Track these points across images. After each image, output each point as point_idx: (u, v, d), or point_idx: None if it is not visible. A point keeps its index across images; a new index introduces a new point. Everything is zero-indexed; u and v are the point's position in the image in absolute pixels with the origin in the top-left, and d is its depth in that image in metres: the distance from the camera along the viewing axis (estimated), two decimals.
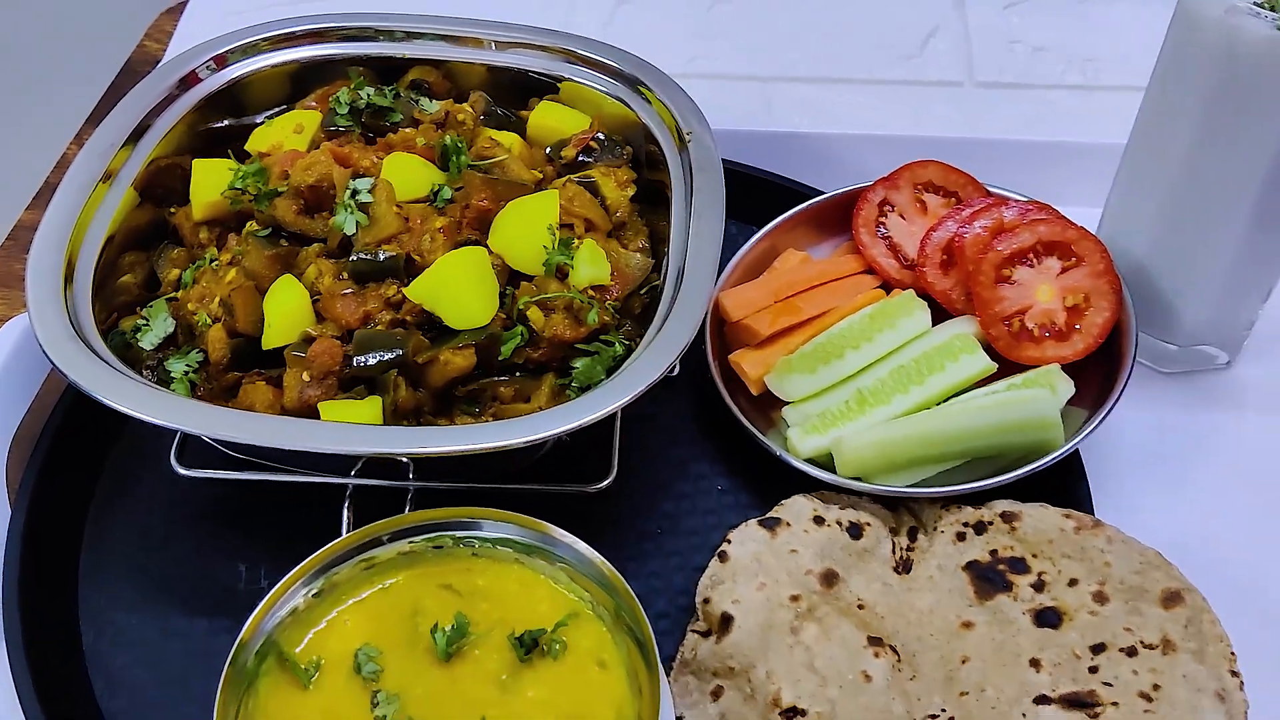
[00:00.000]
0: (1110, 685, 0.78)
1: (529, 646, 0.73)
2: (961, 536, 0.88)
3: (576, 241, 0.92)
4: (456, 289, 0.87)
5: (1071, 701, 0.78)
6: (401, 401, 0.86)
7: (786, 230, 1.09)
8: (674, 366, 0.84)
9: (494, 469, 0.93)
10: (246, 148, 1.01)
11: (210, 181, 0.97)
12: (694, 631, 0.86)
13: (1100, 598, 0.83)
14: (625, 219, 0.99)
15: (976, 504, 0.90)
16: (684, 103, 1.02)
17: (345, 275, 0.89)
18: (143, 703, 0.86)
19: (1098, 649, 0.80)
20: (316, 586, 0.76)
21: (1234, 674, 0.79)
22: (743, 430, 0.95)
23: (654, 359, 0.83)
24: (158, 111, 1.01)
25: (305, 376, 0.85)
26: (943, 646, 0.83)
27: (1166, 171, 0.94)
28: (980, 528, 0.88)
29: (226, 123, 1.05)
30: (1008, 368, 0.96)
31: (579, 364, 0.89)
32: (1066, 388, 0.94)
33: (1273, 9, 0.81)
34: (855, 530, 0.88)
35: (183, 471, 0.92)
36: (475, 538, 0.78)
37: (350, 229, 0.90)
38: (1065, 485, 0.93)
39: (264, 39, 1.06)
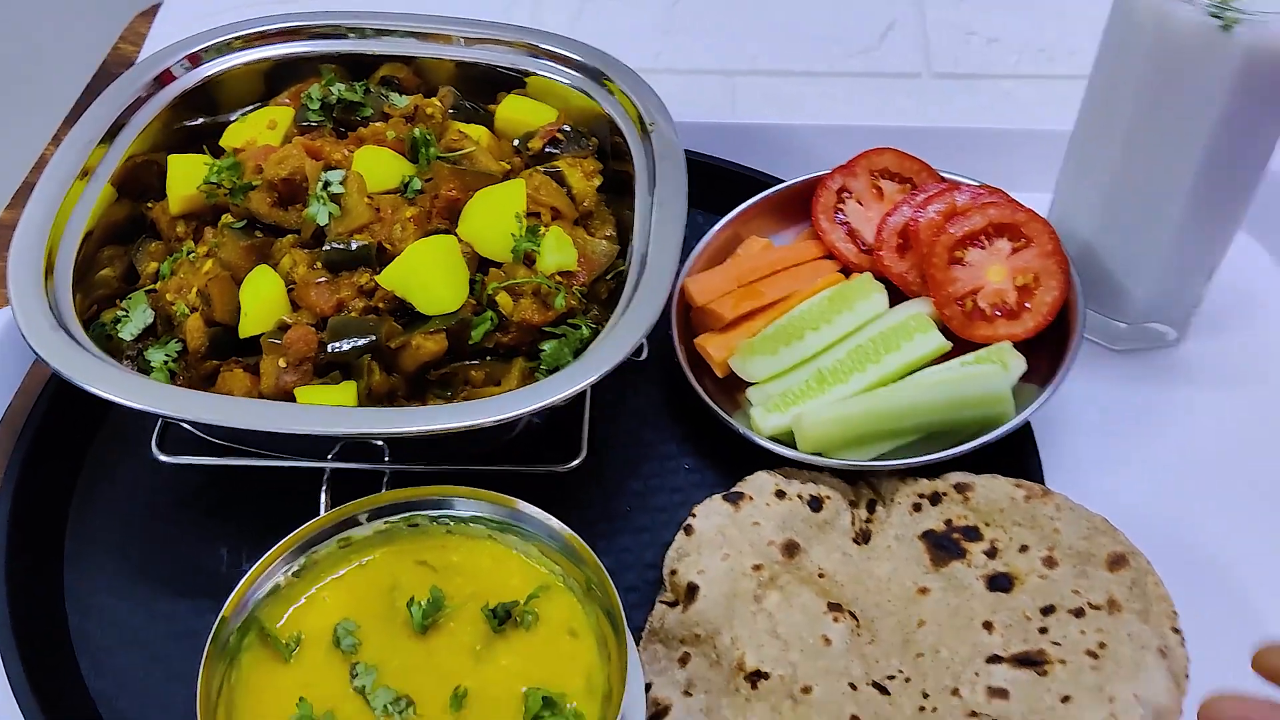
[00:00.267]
0: (1059, 645, 0.81)
1: (502, 618, 0.76)
2: (917, 507, 0.91)
3: (543, 229, 0.94)
4: (427, 276, 0.90)
5: (1022, 660, 0.81)
6: (375, 386, 0.88)
7: (749, 218, 1.12)
8: (641, 348, 0.87)
9: (467, 450, 0.95)
10: (221, 143, 1.03)
11: (186, 176, 0.99)
12: (662, 602, 0.89)
13: (1050, 562, 0.86)
14: (592, 208, 1.01)
15: (932, 476, 0.93)
16: (646, 95, 1.05)
17: (319, 264, 0.91)
18: (129, 682, 0.88)
19: (1047, 611, 0.83)
20: (296, 565, 0.78)
21: (1176, 631, 0.82)
22: (708, 411, 0.98)
23: (620, 340, 0.86)
24: (134, 109, 1.03)
25: (281, 363, 0.88)
26: (900, 612, 0.86)
27: (1109, 155, 0.97)
28: (935, 499, 0.91)
29: (201, 120, 1.07)
30: (962, 346, 0.99)
31: (547, 347, 0.91)
32: (1018, 364, 0.98)
33: None
34: (815, 503, 0.91)
35: (164, 458, 0.94)
36: (449, 516, 0.81)
37: (323, 220, 0.92)
38: (1018, 457, 0.96)
39: (237, 37, 1.08)
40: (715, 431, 0.99)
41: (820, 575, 0.87)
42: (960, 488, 0.91)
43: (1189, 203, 0.95)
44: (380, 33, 1.11)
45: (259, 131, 1.03)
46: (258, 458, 0.94)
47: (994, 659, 0.81)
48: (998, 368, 0.97)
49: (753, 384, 1.01)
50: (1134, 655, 0.80)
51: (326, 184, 0.93)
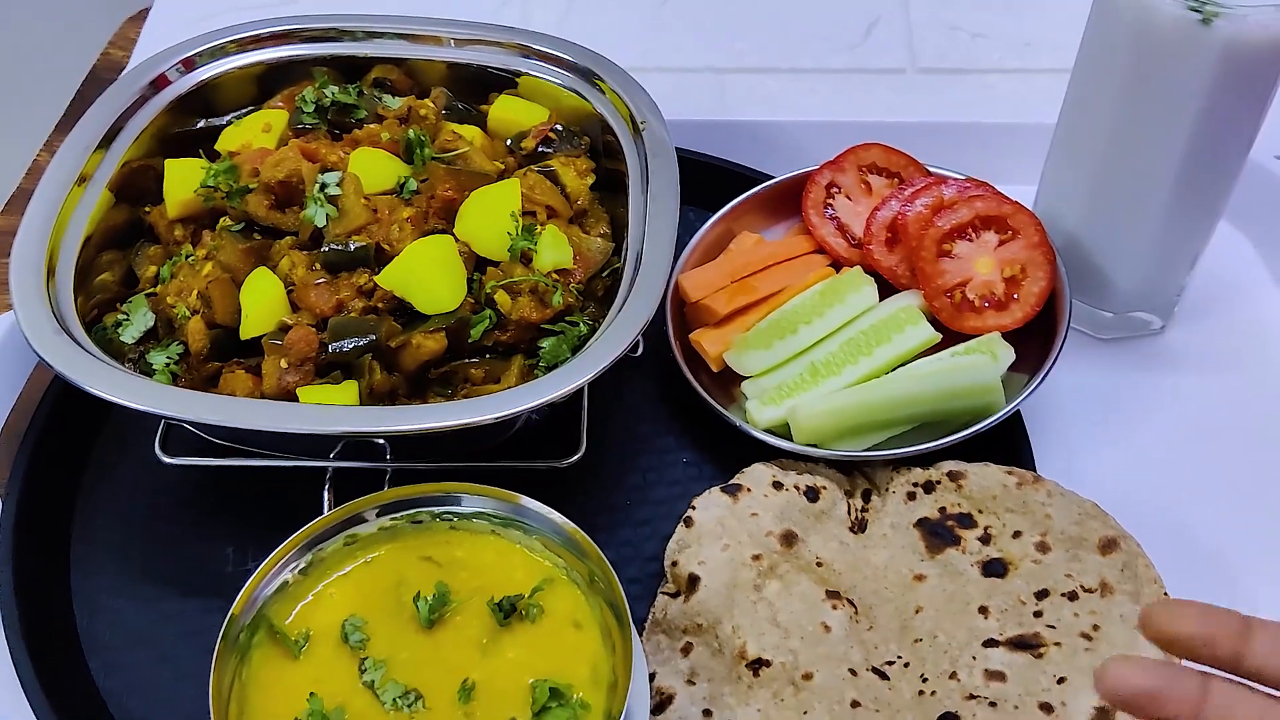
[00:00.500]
0: (1053, 627, 0.83)
1: (507, 611, 0.77)
2: (912, 496, 0.93)
3: (539, 228, 0.95)
4: (425, 275, 0.91)
5: (1018, 644, 0.83)
6: (376, 385, 0.89)
7: (741, 214, 1.13)
8: (638, 344, 0.88)
9: (468, 448, 0.96)
10: (217, 147, 1.04)
11: (183, 180, 0.99)
12: (663, 593, 0.90)
13: (1042, 547, 0.88)
14: (586, 207, 1.02)
15: (925, 465, 0.94)
16: (637, 93, 1.06)
17: (318, 266, 0.92)
18: (138, 681, 0.89)
19: (1041, 595, 0.85)
20: (303, 562, 0.79)
21: None
22: (705, 405, 0.99)
23: (617, 336, 0.87)
24: (129, 114, 1.03)
25: (283, 364, 0.88)
26: (897, 599, 0.88)
27: (1093, 147, 0.99)
28: (929, 487, 0.93)
29: (197, 124, 1.08)
30: (951, 337, 1.01)
31: (546, 344, 0.92)
32: (1007, 354, 0.99)
33: None
34: (812, 494, 0.93)
35: (167, 460, 0.95)
36: (453, 512, 0.82)
37: (321, 221, 0.93)
38: (1009, 445, 0.98)
39: (231, 41, 1.09)
40: (712, 425, 1.00)
41: (818, 564, 0.89)
42: (953, 476, 0.93)
43: (1171, 194, 0.97)
44: (372, 35, 1.11)
45: (254, 135, 1.03)
46: (260, 458, 0.95)
47: (990, 643, 0.83)
48: (987, 358, 0.98)
49: (747, 378, 1.02)
50: (1127, 636, 0.82)
51: (323, 186, 0.94)
